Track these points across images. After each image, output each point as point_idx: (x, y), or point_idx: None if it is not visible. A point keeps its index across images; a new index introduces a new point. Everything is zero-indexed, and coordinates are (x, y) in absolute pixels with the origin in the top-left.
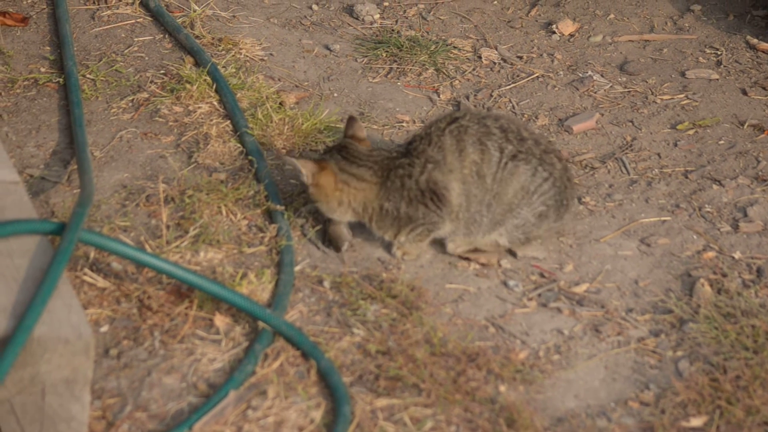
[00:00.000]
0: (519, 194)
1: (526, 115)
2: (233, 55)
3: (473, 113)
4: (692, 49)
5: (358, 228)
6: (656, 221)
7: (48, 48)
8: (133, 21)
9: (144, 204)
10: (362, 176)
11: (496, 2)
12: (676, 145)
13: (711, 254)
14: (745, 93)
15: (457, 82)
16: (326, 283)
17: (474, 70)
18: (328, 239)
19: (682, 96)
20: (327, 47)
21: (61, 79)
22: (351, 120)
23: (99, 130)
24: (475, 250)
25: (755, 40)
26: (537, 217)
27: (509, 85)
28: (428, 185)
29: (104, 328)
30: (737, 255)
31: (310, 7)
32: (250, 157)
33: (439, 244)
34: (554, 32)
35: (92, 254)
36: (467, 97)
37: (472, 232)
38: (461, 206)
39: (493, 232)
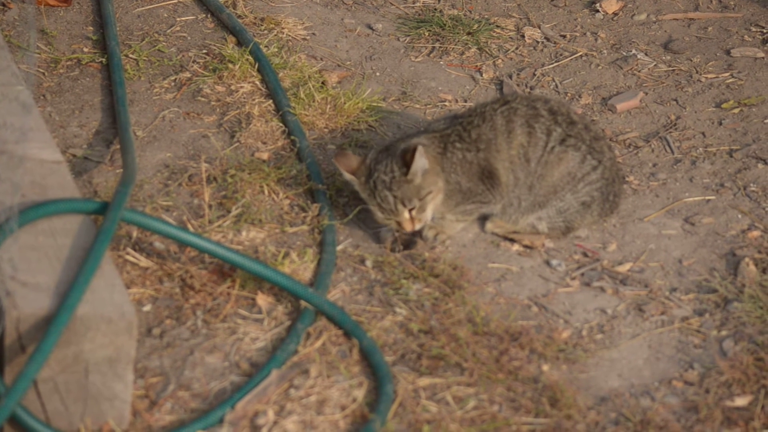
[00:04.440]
0: (565, 179)
1: (569, 94)
2: (275, 35)
3: (524, 96)
4: (737, 27)
5: None
6: (700, 200)
7: (91, 28)
8: (175, 1)
9: (186, 183)
10: None
11: None
12: (720, 123)
13: (756, 233)
14: None
15: (500, 61)
16: (368, 263)
17: (517, 49)
18: None
19: (727, 74)
20: (369, 26)
21: (104, 59)
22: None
23: (141, 110)
24: (515, 232)
25: None
26: (580, 205)
27: (552, 64)
28: (479, 162)
29: (147, 308)
30: None
31: None
32: (292, 137)
33: (479, 223)
34: (598, 11)
35: (135, 234)
36: (510, 76)
37: (507, 212)
38: (508, 186)
39: (532, 215)
